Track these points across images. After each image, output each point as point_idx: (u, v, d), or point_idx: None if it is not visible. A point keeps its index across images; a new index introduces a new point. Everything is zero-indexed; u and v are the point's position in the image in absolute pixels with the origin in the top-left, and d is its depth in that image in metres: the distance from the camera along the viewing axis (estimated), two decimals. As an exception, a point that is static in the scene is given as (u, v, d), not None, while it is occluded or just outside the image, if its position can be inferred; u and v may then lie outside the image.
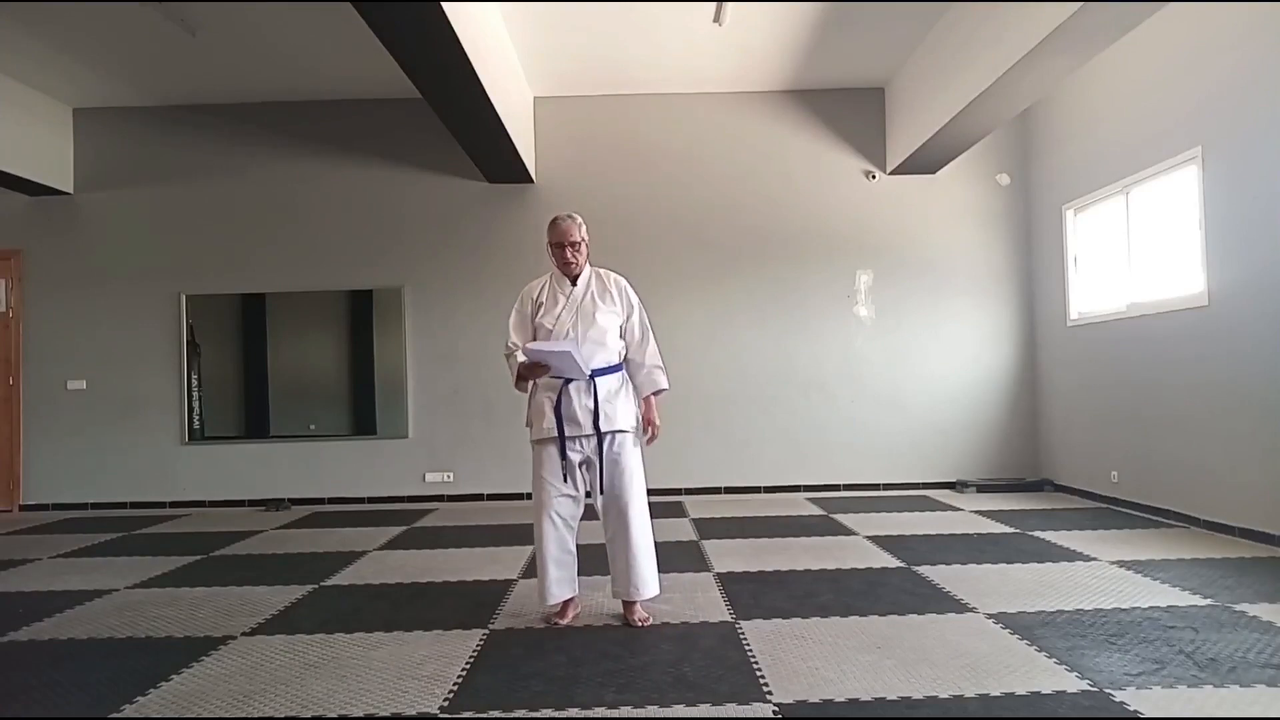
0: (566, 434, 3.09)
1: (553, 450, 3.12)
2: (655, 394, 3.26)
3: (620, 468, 3.15)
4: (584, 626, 3.16)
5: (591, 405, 3.10)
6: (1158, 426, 5.09)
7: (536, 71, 6.26)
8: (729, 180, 6.72)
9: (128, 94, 6.54)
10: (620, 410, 3.17)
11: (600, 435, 3.11)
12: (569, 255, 3.21)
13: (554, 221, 3.27)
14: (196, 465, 6.64)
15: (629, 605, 3.18)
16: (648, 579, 3.14)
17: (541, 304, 3.23)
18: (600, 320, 3.19)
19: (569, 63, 6.12)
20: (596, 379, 3.13)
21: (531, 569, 4.15)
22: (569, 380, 3.10)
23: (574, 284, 3.24)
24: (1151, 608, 3.21)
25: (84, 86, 6.37)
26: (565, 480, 3.13)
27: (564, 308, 3.19)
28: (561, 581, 3.15)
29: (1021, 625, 3.04)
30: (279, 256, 6.70)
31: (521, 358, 3.12)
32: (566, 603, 3.20)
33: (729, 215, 6.70)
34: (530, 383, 3.19)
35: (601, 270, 3.34)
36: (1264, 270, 4.22)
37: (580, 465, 3.16)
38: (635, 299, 3.32)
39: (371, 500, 6.58)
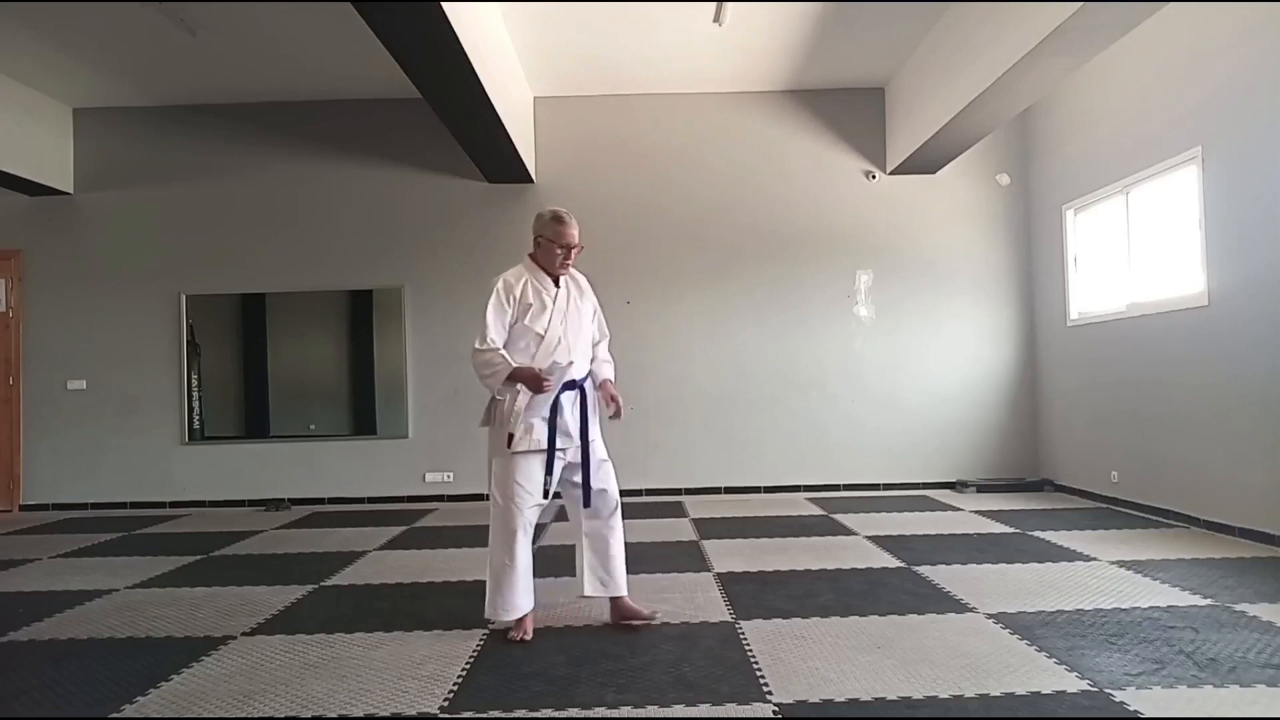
0: (558, 446, 3.01)
1: (534, 461, 3.00)
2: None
3: (606, 469, 3.14)
4: (583, 626, 3.15)
5: (579, 414, 3.06)
6: (1158, 426, 5.09)
7: (536, 71, 6.26)
8: (729, 180, 6.72)
9: (128, 94, 6.54)
10: (596, 415, 3.17)
11: (586, 441, 3.07)
12: (570, 258, 3.11)
13: (560, 218, 3.07)
14: (196, 465, 6.64)
15: (623, 603, 3.14)
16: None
17: (529, 305, 3.04)
18: (584, 325, 3.16)
19: (569, 63, 6.12)
20: (584, 385, 3.10)
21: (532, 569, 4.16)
22: (564, 389, 3.02)
23: (556, 284, 3.13)
24: (1151, 608, 3.21)
25: (84, 86, 6.37)
26: (546, 493, 3.04)
27: (552, 312, 3.06)
28: (529, 592, 3.05)
29: (1021, 625, 3.04)
30: (279, 256, 6.70)
31: (510, 362, 2.97)
32: (526, 616, 3.06)
33: (729, 215, 6.70)
34: (516, 386, 2.98)
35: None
36: (1264, 270, 4.22)
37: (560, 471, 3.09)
38: (596, 299, 3.31)
39: (371, 500, 6.58)
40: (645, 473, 6.51)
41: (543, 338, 3.03)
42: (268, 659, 2.88)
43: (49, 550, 4.95)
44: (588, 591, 3.13)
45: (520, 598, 3.00)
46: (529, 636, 3.00)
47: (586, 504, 3.08)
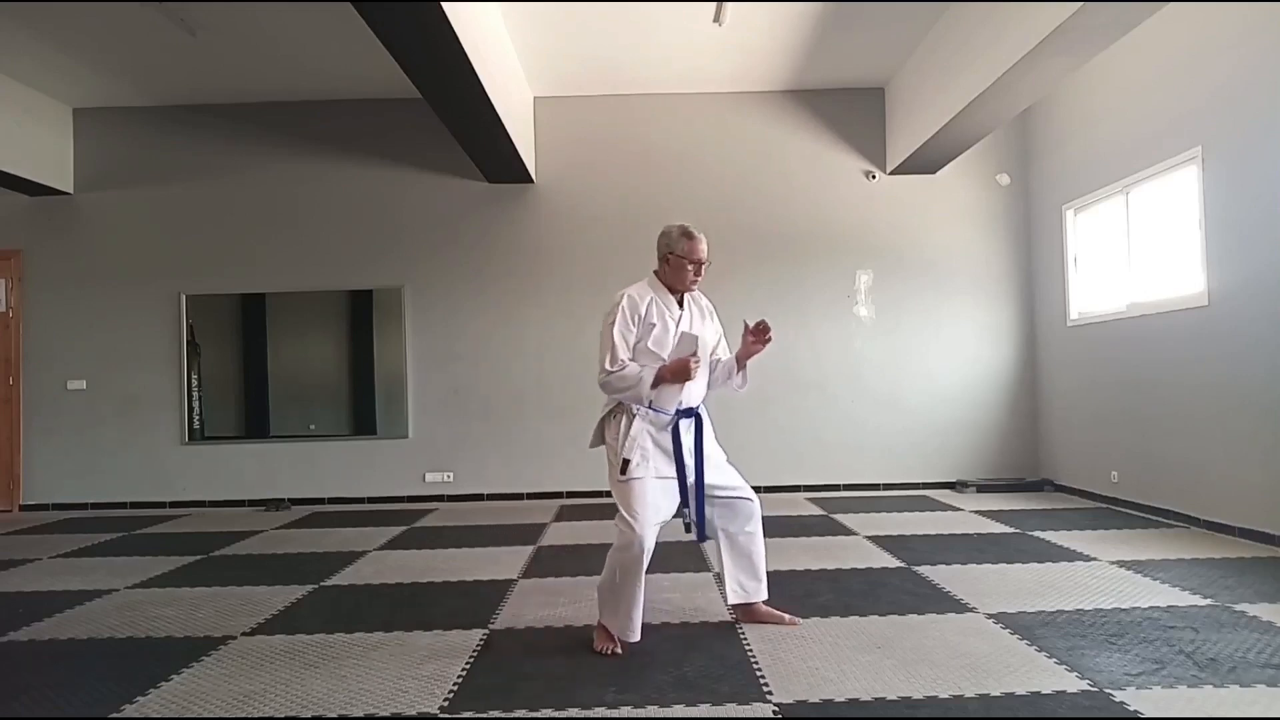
0: (672, 475, 2.91)
1: (652, 485, 2.87)
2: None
3: (733, 476, 3.08)
4: (583, 626, 3.15)
5: (695, 442, 2.96)
6: (1158, 426, 5.09)
7: (536, 71, 6.26)
8: (729, 180, 6.72)
9: (128, 94, 6.54)
10: (716, 445, 3.10)
11: (701, 469, 2.96)
12: (700, 274, 3.02)
13: (689, 233, 2.97)
14: (196, 465, 6.64)
15: (758, 608, 3.12)
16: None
17: (653, 325, 2.92)
18: (706, 350, 3.06)
19: (569, 63, 6.12)
20: (699, 413, 2.99)
21: (532, 569, 4.16)
22: (680, 416, 2.94)
23: (680, 305, 3.02)
24: (1151, 608, 3.21)
25: (84, 86, 6.37)
26: (682, 522, 2.99)
27: (676, 335, 2.95)
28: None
29: (1021, 625, 3.03)
30: (279, 256, 6.70)
31: (646, 368, 2.86)
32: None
33: (729, 215, 6.70)
34: (634, 409, 2.90)
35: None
36: (1264, 270, 4.22)
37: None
38: (719, 323, 3.20)
39: (371, 500, 6.58)
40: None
41: (648, 366, 2.89)
42: (268, 659, 2.88)
43: (49, 550, 4.95)
44: (731, 600, 3.11)
45: (640, 619, 2.91)
46: (620, 650, 2.87)
47: (700, 538, 3.04)
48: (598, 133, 6.74)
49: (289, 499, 6.56)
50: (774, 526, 5.17)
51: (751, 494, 3.09)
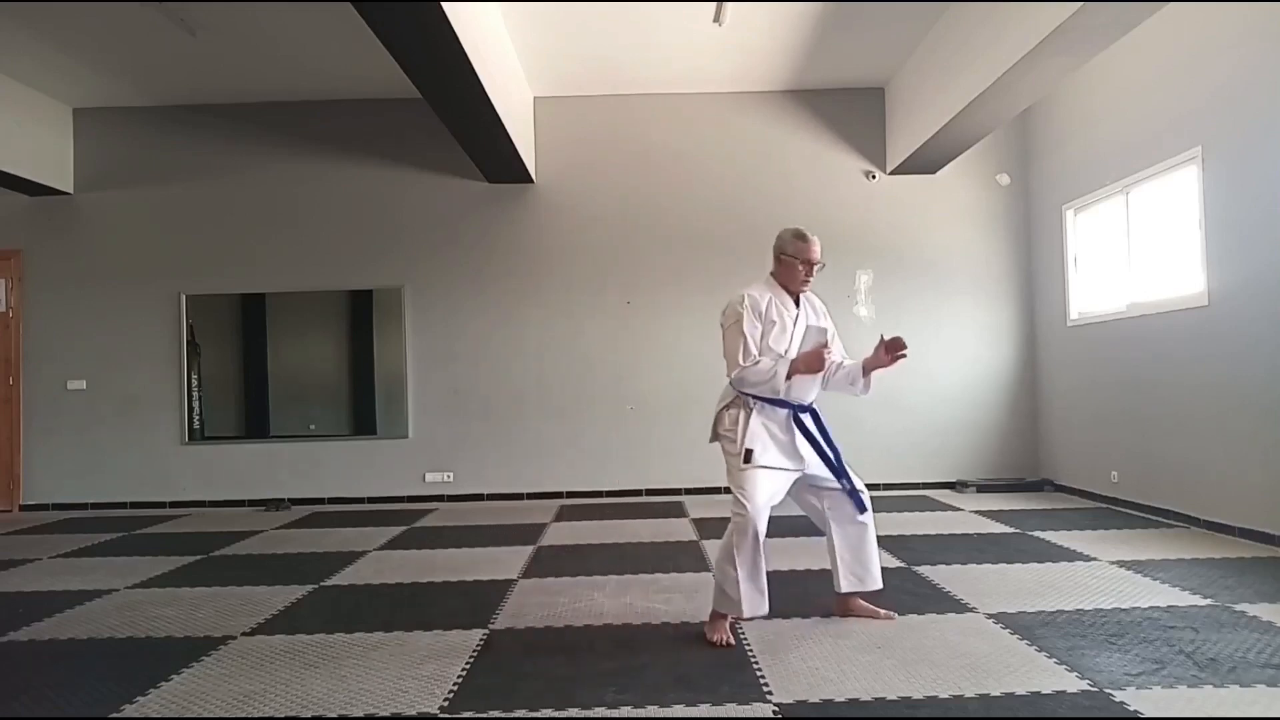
0: (790, 467, 3.01)
1: (769, 474, 2.99)
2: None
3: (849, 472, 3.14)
4: (584, 626, 3.15)
5: (812, 437, 3.05)
6: (1158, 426, 5.09)
7: (536, 71, 6.26)
8: (729, 180, 6.72)
9: (128, 94, 6.54)
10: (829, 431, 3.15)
11: (831, 460, 3.05)
12: (812, 274, 3.10)
13: (803, 234, 3.08)
14: (196, 465, 6.64)
15: (856, 601, 3.19)
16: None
17: (773, 323, 3.04)
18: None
19: (569, 63, 6.12)
20: (814, 409, 3.08)
21: (532, 569, 4.16)
22: (798, 410, 3.03)
23: (796, 304, 3.12)
24: (1151, 608, 3.21)
25: (84, 86, 6.37)
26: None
27: (793, 333, 3.05)
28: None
29: (1021, 625, 3.03)
30: (279, 256, 6.70)
31: (781, 360, 2.96)
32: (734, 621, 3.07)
33: (729, 215, 6.70)
34: (750, 404, 3.02)
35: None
36: (1264, 270, 4.22)
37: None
38: (832, 322, 3.24)
39: (371, 500, 6.58)
40: (645, 473, 6.51)
41: (782, 358, 2.99)
42: (268, 659, 2.88)
43: (49, 550, 4.95)
44: (844, 588, 3.16)
45: (758, 597, 2.99)
46: (733, 642, 2.95)
47: (861, 510, 3.11)
48: (598, 133, 6.74)
49: (289, 499, 6.56)
50: (775, 526, 5.17)
51: (861, 486, 3.15)
